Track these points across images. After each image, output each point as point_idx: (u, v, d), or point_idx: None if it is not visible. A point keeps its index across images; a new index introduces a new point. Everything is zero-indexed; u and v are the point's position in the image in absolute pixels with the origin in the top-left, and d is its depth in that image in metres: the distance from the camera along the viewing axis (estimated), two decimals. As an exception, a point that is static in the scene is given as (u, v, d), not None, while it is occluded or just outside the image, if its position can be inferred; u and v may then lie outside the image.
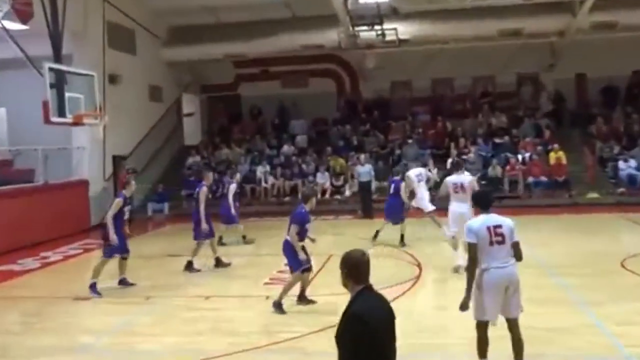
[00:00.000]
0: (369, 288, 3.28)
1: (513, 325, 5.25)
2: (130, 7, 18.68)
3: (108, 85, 17.32)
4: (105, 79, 17.03)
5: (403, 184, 12.43)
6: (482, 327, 5.25)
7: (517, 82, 22.33)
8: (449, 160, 18.68)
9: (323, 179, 19.26)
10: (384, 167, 19.41)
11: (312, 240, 8.39)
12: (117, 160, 18.31)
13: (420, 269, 10.22)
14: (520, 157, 18.56)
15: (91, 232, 16.41)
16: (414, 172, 12.49)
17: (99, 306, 8.86)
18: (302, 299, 8.20)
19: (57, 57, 13.84)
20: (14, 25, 13.78)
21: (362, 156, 18.55)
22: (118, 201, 9.36)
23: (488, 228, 5.16)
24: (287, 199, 19.21)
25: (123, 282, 9.65)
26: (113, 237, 9.10)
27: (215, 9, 19.95)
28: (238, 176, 14.43)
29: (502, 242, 5.16)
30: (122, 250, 9.52)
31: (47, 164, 16.13)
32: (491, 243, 5.14)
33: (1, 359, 6.72)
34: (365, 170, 17.39)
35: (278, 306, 7.86)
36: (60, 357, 6.79)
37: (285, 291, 7.95)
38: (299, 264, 7.94)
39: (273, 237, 14.75)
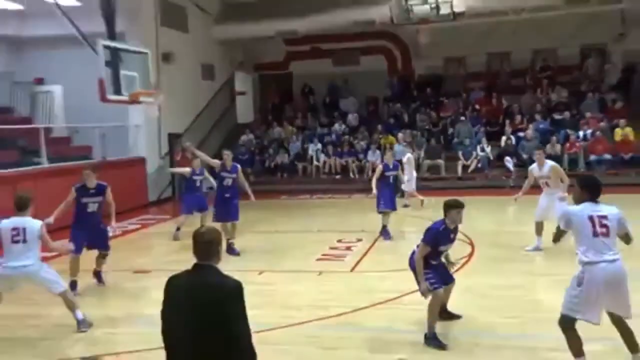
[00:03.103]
0: (198, 266, 3.50)
1: (620, 320, 4.91)
2: (181, -17, 18.89)
3: (162, 64, 17.57)
4: (158, 57, 17.26)
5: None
6: (570, 324, 4.86)
7: (581, 54, 21.41)
8: (503, 138, 18.36)
9: (374, 157, 19.15)
10: (437, 144, 19.19)
11: (452, 265, 6.69)
12: (172, 138, 18.63)
13: (473, 247, 10.10)
14: (581, 133, 17.90)
15: (149, 208, 16.97)
16: None
17: (160, 279, 9.09)
18: (442, 313, 6.37)
19: (111, 34, 13.90)
20: (66, 1, 13.94)
21: (400, 134, 18.31)
22: (71, 193, 8.54)
23: (591, 217, 4.78)
24: (338, 177, 19.33)
25: (98, 277, 8.97)
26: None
27: (267, -16, 19.97)
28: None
29: (607, 235, 4.76)
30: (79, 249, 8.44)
31: (104, 141, 16.59)
32: (595, 234, 4.75)
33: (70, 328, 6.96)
34: (401, 149, 17.05)
35: (433, 339, 5.89)
36: (120, 328, 7.03)
37: (431, 319, 5.97)
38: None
39: (323, 215, 14.91)
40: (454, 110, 20.86)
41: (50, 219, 8.04)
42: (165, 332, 3.52)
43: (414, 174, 15.33)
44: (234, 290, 3.38)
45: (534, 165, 9.88)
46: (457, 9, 18.15)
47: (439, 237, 5.96)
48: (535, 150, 10.93)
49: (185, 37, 19.62)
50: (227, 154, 10.73)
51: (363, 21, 19.97)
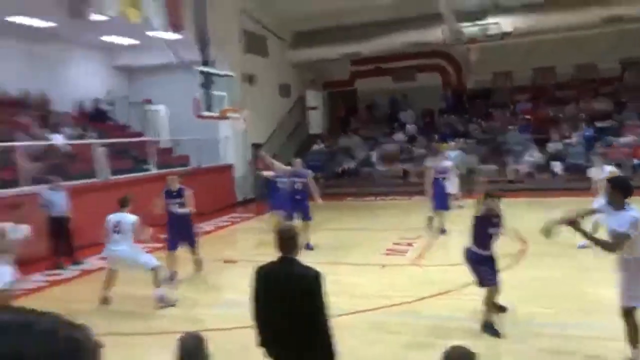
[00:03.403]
0: (283, 258, 3.50)
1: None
2: (262, 15, 19.07)
3: (246, 85, 17.86)
4: (243, 79, 17.56)
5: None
6: (632, 313, 4.71)
7: (621, 67, 20.30)
8: (551, 145, 17.60)
9: (430, 163, 18.76)
10: (487, 151, 18.65)
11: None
12: (255, 148, 18.94)
13: (524, 243, 9.70)
14: (623, 140, 16.92)
15: (237, 207, 17.26)
16: None
17: (246, 269, 9.21)
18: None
19: (205, 61, 14.31)
20: (169, 36, 14.47)
21: (452, 143, 17.82)
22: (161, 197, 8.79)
23: None
24: (398, 180, 19.06)
25: (198, 264, 9.16)
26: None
27: (335, 13, 19.96)
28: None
29: None
30: (172, 246, 8.80)
31: (200, 151, 17.06)
32: None
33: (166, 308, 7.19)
34: (453, 155, 16.53)
35: (490, 327, 5.72)
36: (213, 309, 7.18)
37: (487, 310, 5.82)
38: (480, 279, 5.86)
39: (386, 215, 14.74)
40: (503, 120, 20.20)
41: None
42: (257, 317, 3.55)
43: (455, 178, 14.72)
44: (317, 279, 3.41)
45: (594, 169, 9.34)
46: (504, 29, 17.55)
47: (483, 221, 5.79)
48: (594, 156, 10.45)
49: (264, 61, 19.88)
50: (298, 161, 10.73)
51: (419, 42, 19.69)
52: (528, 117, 19.98)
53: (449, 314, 6.37)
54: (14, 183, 11.21)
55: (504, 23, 17.46)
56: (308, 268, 3.48)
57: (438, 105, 22.39)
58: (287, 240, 3.52)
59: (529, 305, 6.46)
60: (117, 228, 7.32)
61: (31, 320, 0.75)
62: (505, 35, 17.66)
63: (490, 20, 17.17)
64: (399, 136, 20.92)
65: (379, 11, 19.34)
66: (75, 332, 0.78)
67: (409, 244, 10.42)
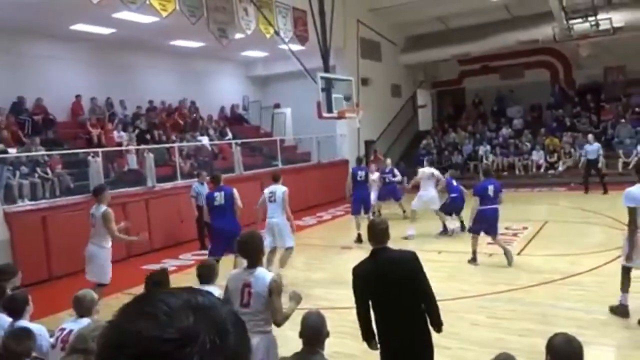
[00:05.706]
0: (379, 249, 3.50)
1: None
2: (376, 23, 19.01)
3: (361, 87, 17.98)
4: (359, 82, 17.70)
5: None
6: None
7: None
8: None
9: (538, 156, 17.72)
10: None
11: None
12: (368, 144, 19.04)
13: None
14: None
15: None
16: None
17: (359, 255, 9.41)
18: None
19: (326, 68, 14.64)
20: (295, 47, 14.97)
21: (590, 136, 16.48)
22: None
23: None
24: (504, 173, 18.14)
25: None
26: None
27: (444, 17, 19.43)
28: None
29: None
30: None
31: (319, 148, 17.53)
32: None
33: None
34: (593, 148, 15.34)
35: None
36: (331, 289, 7.38)
37: None
38: None
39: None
40: (614, 114, 18.39)
41: None
42: (362, 312, 3.53)
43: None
44: (415, 258, 3.50)
45: None
46: (616, 24, 15.91)
47: None
48: None
49: (378, 65, 19.85)
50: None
51: (528, 40, 18.52)
52: (641, 110, 17.99)
53: (552, 302, 6.09)
54: (172, 177, 12.38)
55: (616, 18, 15.85)
56: (403, 251, 3.61)
57: (546, 101, 20.94)
58: (381, 231, 3.55)
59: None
60: (272, 198, 7.78)
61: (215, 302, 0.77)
62: (617, 30, 16.03)
63: (602, 16, 15.66)
64: (506, 130, 19.89)
65: (488, 13, 18.48)
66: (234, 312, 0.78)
67: (515, 235, 10.00)
